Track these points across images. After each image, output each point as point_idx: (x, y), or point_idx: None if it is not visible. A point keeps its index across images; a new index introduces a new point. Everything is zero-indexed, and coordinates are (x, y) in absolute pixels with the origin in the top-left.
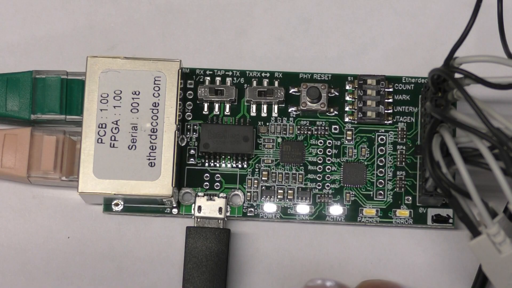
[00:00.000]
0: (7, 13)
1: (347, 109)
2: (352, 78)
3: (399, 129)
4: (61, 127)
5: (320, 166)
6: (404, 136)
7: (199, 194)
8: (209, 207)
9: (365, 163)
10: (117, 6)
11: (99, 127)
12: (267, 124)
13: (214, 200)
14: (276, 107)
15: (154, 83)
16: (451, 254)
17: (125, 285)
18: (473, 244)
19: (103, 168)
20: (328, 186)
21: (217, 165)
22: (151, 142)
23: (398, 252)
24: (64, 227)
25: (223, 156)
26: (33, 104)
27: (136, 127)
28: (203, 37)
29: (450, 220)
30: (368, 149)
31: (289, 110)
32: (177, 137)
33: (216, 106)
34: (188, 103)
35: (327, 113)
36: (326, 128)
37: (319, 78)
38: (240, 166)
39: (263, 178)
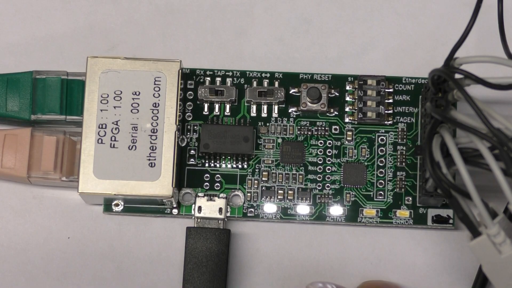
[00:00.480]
0: (7, 13)
1: (347, 109)
2: (352, 78)
3: (399, 129)
4: (61, 127)
5: (320, 166)
6: (404, 136)
7: (199, 194)
8: (209, 208)
9: (365, 163)
10: (117, 6)
11: (99, 127)
12: (267, 124)
13: (214, 200)
14: (276, 107)
15: (154, 84)
16: (451, 254)
17: (125, 285)
18: (473, 244)
19: (103, 168)
20: (328, 186)
21: (217, 165)
22: (151, 143)
23: (398, 252)
24: (64, 227)
25: (223, 157)
26: (33, 105)
27: (136, 127)
28: (203, 37)
29: (450, 221)
30: (368, 150)
31: (289, 111)
32: (177, 138)
33: (216, 106)
34: (188, 103)
35: (327, 114)
36: (326, 128)
37: (319, 79)
38: (240, 166)
39: (263, 179)
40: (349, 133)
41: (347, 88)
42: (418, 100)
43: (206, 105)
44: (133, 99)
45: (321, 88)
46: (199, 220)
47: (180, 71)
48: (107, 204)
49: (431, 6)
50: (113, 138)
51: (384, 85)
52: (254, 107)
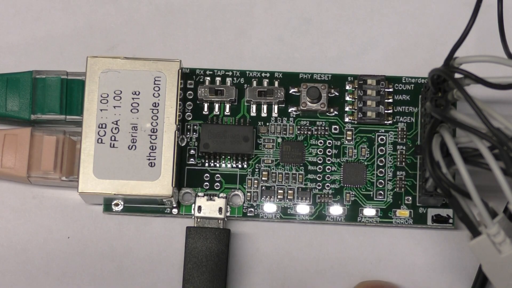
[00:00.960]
0: (7, 13)
1: (347, 109)
2: (352, 78)
3: (399, 129)
4: (61, 127)
5: (320, 166)
6: (404, 136)
7: (199, 194)
8: (209, 207)
9: (365, 163)
10: (117, 6)
11: (99, 127)
12: (267, 124)
13: (214, 200)
14: (276, 107)
15: (154, 83)
16: (451, 254)
17: (125, 285)
18: (473, 244)
19: (103, 168)
20: (328, 186)
21: (217, 165)
22: (151, 142)
23: (398, 252)
24: (64, 227)
25: (223, 156)
26: (33, 104)
27: (136, 127)
28: (203, 37)
29: (450, 220)
30: (368, 149)
31: (289, 110)
32: (177, 137)
33: (216, 106)
34: (188, 103)
35: (327, 113)
36: (326, 128)
37: (319, 78)
38: (240, 166)
39: (263, 178)
40: (349, 132)
41: (347, 87)
42: (418, 99)
43: (206, 105)
44: (133, 98)
45: (321, 88)
46: (199, 220)
47: (180, 71)
48: (107, 204)
49: (431, 6)
50: (113, 138)
51: (384, 84)
52: (254, 107)
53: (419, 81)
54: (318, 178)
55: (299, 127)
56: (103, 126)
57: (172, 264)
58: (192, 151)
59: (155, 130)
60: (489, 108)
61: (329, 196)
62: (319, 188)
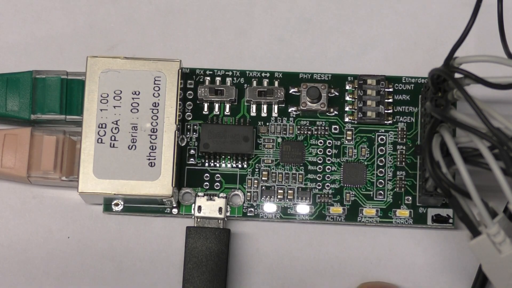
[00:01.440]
0: (7, 13)
1: (347, 109)
2: (352, 78)
3: (399, 129)
4: (61, 127)
5: (320, 166)
6: (404, 136)
7: (199, 194)
8: (209, 207)
9: (365, 163)
10: (117, 6)
11: (99, 127)
12: (267, 124)
13: (214, 200)
14: (276, 107)
15: (154, 83)
16: (451, 254)
17: (125, 285)
18: (473, 244)
19: (103, 168)
20: (328, 186)
21: (217, 165)
22: (151, 142)
23: (398, 252)
24: (64, 227)
25: (223, 156)
26: (33, 104)
27: (136, 127)
28: (203, 37)
29: (450, 220)
30: (368, 149)
31: (289, 110)
32: (177, 137)
33: (216, 106)
34: (188, 103)
35: (327, 113)
36: (326, 128)
37: (319, 78)
38: (240, 166)
39: (263, 178)
40: (349, 132)
41: (347, 87)
42: (418, 99)
43: (206, 105)
44: (133, 98)
45: (321, 88)
46: (199, 219)
47: (180, 70)
48: (107, 203)
49: (431, 6)
50: (113, 138)
51: (384, 84)
52: (254, 107)
53: (419, 81)
54: (318, 178)
55: (299, 127)
56: (103, 126)
57: (172, 264)
58: (192, 151)
59: (155, 130)
60: (489, 108)
61: (329, 196)
62: (319, 188)
